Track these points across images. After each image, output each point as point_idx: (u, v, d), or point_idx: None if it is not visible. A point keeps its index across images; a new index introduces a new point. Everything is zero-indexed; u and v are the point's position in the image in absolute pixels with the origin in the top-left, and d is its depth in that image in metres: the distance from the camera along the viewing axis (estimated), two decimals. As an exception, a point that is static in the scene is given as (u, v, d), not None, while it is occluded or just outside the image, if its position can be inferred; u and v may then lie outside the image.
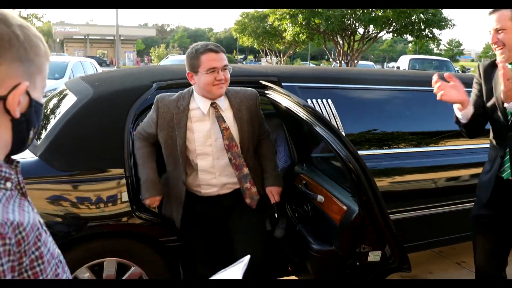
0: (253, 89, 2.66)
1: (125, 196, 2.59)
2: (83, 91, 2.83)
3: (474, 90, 2.57)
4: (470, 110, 2.37)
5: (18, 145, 0.90)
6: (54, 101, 3.24)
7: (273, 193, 2.66)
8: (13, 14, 0.89)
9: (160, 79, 2.93)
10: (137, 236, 2.67)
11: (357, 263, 2.40)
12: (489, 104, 2.45)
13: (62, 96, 3.16)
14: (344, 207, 2.34)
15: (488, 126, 2.53)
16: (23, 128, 0.89)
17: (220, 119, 2.50)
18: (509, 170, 2.39)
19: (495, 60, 2.49)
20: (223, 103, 2.54)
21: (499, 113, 2.37)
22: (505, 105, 2.26)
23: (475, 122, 2.42)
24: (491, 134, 2.52)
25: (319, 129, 2.20)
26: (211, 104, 2.50)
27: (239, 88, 2.66)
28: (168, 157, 2.56)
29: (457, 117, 2.45)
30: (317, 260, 2.46)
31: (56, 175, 2.48)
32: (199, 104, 2.50)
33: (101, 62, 35.20)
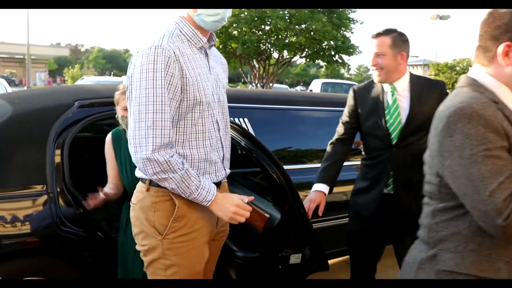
0: None
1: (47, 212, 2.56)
2: (2, 108, 2.78)
3: (346, 113, 2.76)
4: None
5: None
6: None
7: None
8: None
9: (82, 97, 2.92)
10: (59, 254, 2.64)
11: (280, 267, 2.54)
12: (369, 123, 2.63)
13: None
14: (267, 215, 2.50)
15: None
16: None
17: None
18: (391, 185, 2.56)
19: (368, 83, 2.71)
20: None
21: (382, 132, 2.56)
22: None
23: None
24: (367, 154, 2.69)
25: (244, 144, 2.36)
26: None
27: None
28: None
29: None
30: (242, 267, 2.58)
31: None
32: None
33: (9, 82, 33.11)
